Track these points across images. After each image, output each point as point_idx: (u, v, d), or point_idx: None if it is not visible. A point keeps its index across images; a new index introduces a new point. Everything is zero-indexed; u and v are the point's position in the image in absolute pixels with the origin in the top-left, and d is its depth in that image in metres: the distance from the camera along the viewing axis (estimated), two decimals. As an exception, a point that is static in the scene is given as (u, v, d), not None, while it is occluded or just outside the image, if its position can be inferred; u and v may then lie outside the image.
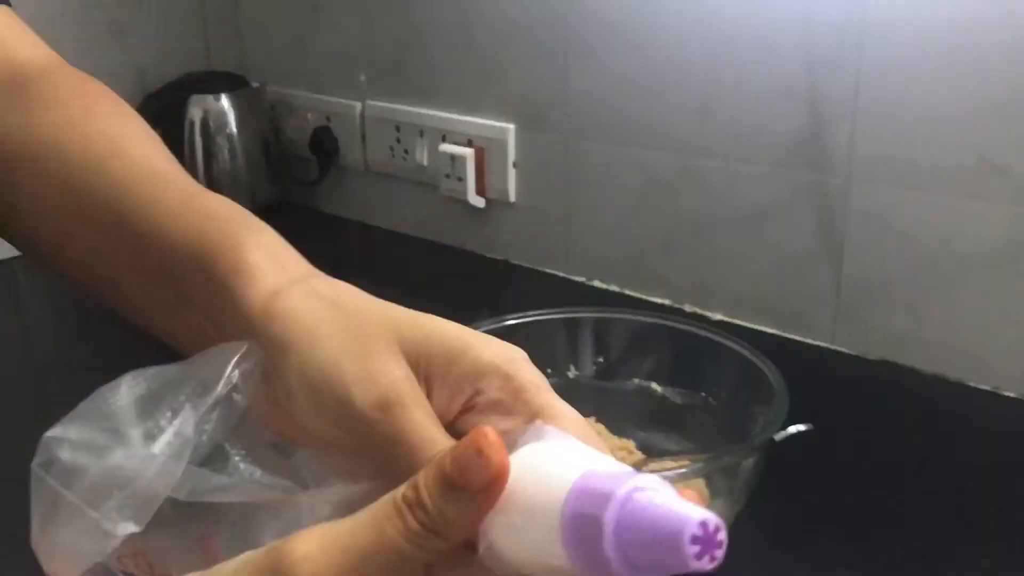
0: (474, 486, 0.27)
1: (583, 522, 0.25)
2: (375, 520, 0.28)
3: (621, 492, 0.25)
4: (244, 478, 0.38)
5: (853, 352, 0.89)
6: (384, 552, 0.28)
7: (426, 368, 0.36)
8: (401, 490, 0.29)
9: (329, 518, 0.35)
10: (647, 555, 0.25)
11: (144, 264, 0.42)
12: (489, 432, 0.27)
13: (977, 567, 0.61)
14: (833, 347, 0.90)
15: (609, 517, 0.25)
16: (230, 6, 1.35)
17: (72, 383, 0.92)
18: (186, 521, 0.37)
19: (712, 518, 0.24)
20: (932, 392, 0.83)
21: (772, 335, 0.93)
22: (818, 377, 0.86)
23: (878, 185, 0.84)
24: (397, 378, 0.35)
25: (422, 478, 0.28)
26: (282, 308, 0.37)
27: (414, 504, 0.28)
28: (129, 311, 0.45)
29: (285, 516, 0.38)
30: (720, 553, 0.24)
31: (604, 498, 0.25)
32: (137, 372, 0.38)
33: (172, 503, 0.36)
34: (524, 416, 0.34)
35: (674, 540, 0.24)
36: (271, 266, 0.39)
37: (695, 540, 0.24)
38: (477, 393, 0.36)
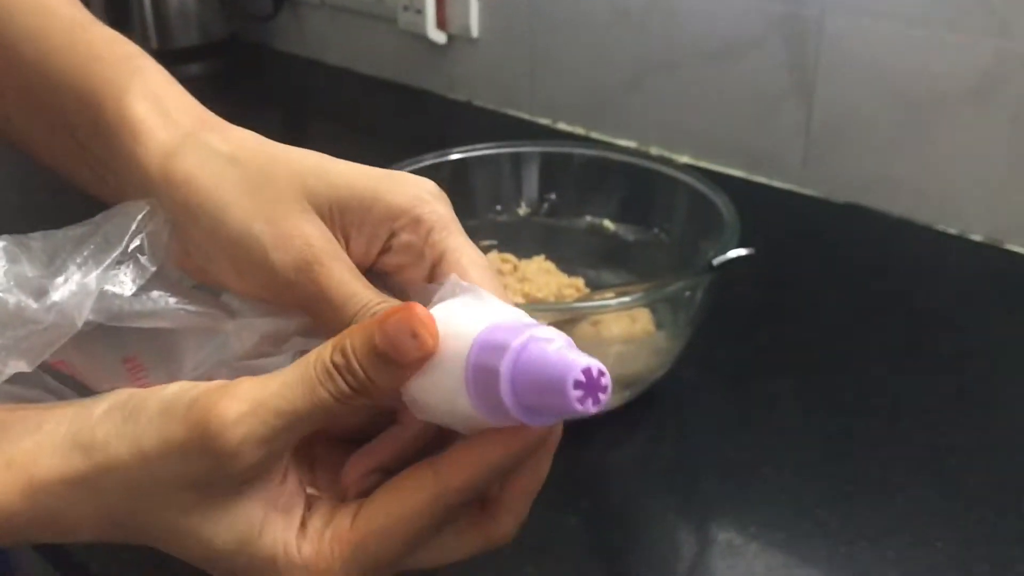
0: (404, 361, 0.29)
1: (483, 372, 0.28)
2: (307, 383, 0.29)
3: (516, 343, 0.27)
4: (170, 306, 0.37)
5: (820, 195, 0.86)
6: (316, 412, 0.29)
7: (340, 219, 0.35)
8: (329, 352, 0.29)
9: (256, 346, 0.37)
10: (538, 400, 0.27)
11: (34, 103, 0.40)
12: (421, 312, 0.29)
13: (933, 408, 0.60)
14: (801, 190, 0.87)
15: (505, 367, 0.27)
16: None
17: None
18: (110, 342, 0.37)
19: (596, 365, 0.26)
20: (898, 236, 0.80)
21: (739, 178, 0.90)
22: (783, 219, 0.83)
23: (854, 16, 0.79)
24: (311, 237, 0.34)
25: (351, 346, 0.29)
26: (181, 172, 0.35)
27: (344, 370, 0.29)
28: (37, 156, 0.42)
29: (212, 342, 0.38)
30: (604, 397, 0.26)
31: (501, 350, 0.28)
32: (20, 236, 0.36)
33: (97, 326, 0.35)
34: (433, 257, 0.35)
35: (560, 385, 0.26)
36: (158, 119, 0.37)
37: (578, 385, 0.26)
38: (392, 236, 0.35)
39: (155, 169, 0.36)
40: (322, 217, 0.35)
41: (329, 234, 0.35)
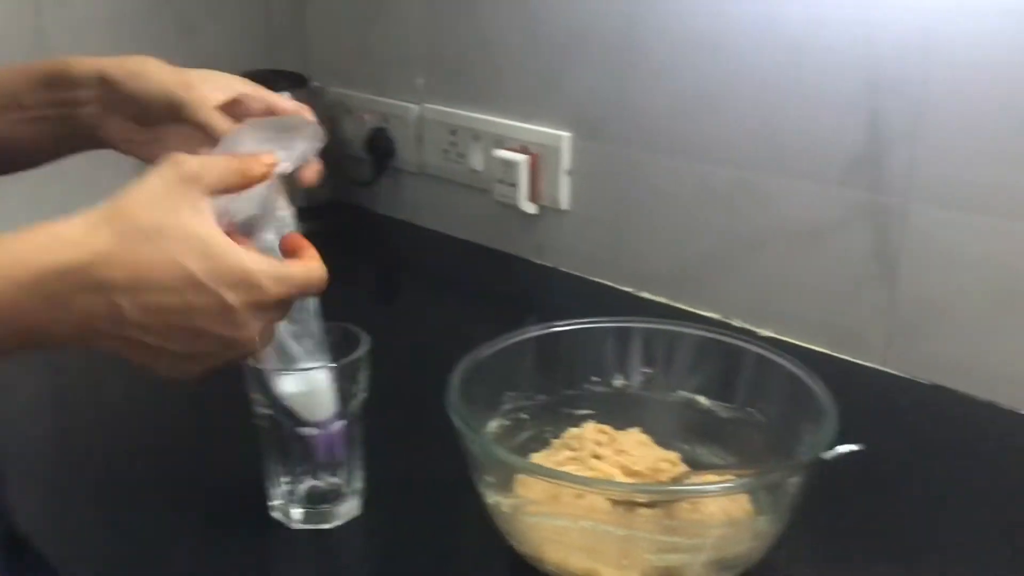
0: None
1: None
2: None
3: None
4: None
5: (905, 375, 0.87)
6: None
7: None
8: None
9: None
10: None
11: None
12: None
13: (1026, 599, 0.60)
14: (885, 369, 0.89)
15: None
16: (296, 5, 1.37)
17: (122, 375, 0.94)
18: None
19: None
20: (985, 419, 0.81)
21: (822, 354, 0.92)
22: (868, 399, 0.84)
23: (937, 207, 0.82)
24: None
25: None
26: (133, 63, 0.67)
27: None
28: None
29: None
30: None
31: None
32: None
33: None
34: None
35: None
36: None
37: None
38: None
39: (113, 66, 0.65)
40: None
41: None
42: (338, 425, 0.64)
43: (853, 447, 0.52)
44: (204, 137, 0.63)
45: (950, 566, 0.62)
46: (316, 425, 0.63)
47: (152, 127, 0.67)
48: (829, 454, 0.52)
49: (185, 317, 0.49)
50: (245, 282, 0.50)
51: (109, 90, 0.65)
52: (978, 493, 0.71)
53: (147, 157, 0.67)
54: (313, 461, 0.65)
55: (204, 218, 0.50)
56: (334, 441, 0.65)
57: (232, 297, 0.49)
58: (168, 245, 0.48)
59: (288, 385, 0.62)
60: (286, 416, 0.63)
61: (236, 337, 0.50)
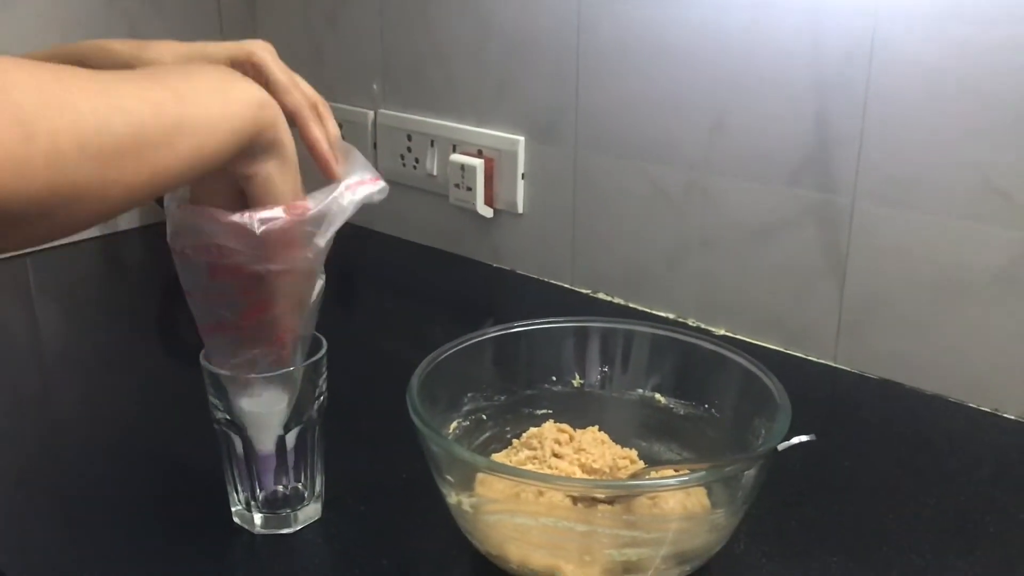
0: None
1: None
2: None
3: None
4: None
5: (855, 370, 0.89)
6: None
7: None
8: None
9: None
10: None
11: None
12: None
13: (974, 584, 0.61)
14: (835, 365, 0.91)
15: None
16: (247, 13, 1.36)
17: (79, 375, 0.93)
18: None
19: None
20: (933, 412, 0.83)
21: (775, 351, 0.94)
22: (820, 394, 0.86)
23: (883, 205, 0.85)
24: None
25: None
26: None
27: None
28: None
29: None
30: None
31: None
32: None
33: None
34: None
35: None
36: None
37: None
38: None
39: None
40: None
41: None
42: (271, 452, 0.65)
43: (805, 437, 0.53)
44: None
45: (902, 555, 0.64)
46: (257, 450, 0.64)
47: None
48: (783, 445, 0.53)
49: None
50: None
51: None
52: (928, 484, 0.72)
53: None
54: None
55: None
56: (275, 466, 0.65)
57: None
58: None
59: (246, 402, 0.62)
60: (240, 418, 0.63)
61: None
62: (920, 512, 0.69)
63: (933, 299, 0.84)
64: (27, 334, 1.04)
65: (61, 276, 1.18)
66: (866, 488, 0.72)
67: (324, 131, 0.61)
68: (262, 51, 0.61)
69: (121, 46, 0.62)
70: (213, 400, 0.64)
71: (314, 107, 0.62)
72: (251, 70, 0.61)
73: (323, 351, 0.65)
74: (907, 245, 0.84)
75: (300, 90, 0.61)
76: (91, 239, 1.25)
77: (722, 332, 0.97)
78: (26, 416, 0.85)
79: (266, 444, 0.64)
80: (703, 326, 0.99)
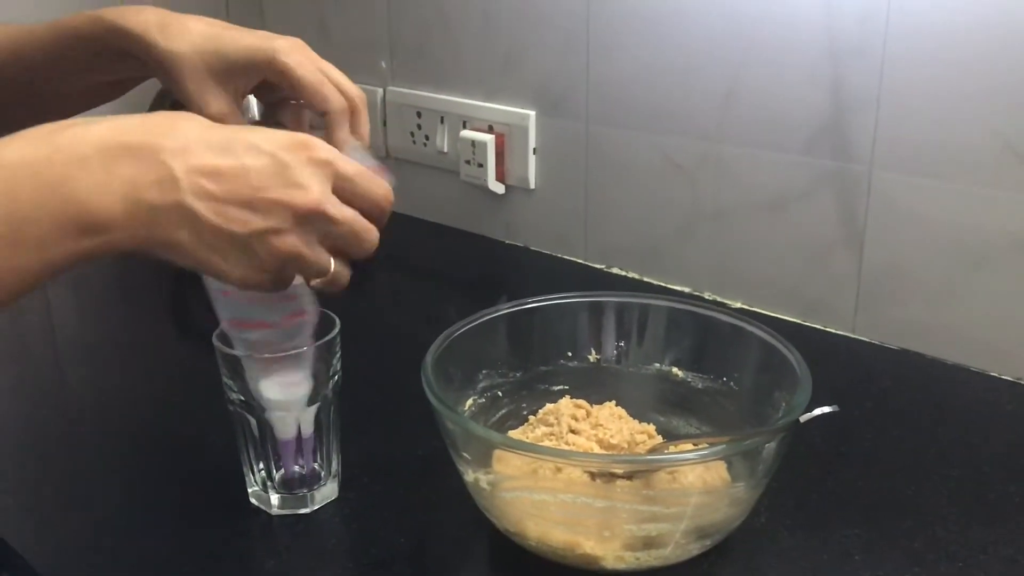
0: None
1: None
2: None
3: None
4: None
5: (874, 341, 0.88)
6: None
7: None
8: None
9: None
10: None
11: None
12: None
13: (997, 555, 0.61)
14: (854, 336, 0.90)
15: None
16: (252, -9, 1.35)
17: (94, 359, 0.93)
18: None
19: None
20: (954, 381, 0.82)
21: (792, 323, 0.93)
22: (839, 365, 0.85)
23: (900, 173, 0.83)
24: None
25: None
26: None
27: None
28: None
29: None
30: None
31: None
32: None
33: None
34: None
35: None
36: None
37: None
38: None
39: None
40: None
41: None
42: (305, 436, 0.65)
43: (827, 408, 0.52)
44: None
45: (925, 527, 0.63)
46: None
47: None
48: (805, 416, 0.52)
49: (240, 179, 0.47)
50: (299, 141, 0.50)
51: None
52: (950, 454, 0.72)
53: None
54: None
55: None
56: (294, 449, 0.65)
57: (286, 156, 0.48)
58: (226, 129, 0.49)
59: (270, 390, 0.62)
60: (259, 403, 0.62)
61: (296, 203, 0.48)
62: (943, 483, 0.68)
63: (953, 267, 0.82)
64: (41, 319, 1.04)
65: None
66: (887, 460, 0.71)
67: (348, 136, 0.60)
68: (288, 54, 0.59)
69: (140, 25, 0.62)
70: (227, 382, 0.63)
71: (345, 111, 0.60)
72: (273, 76, 0.60)
73: (336, 330, 0.64)
74: (926, 213, 0.83)
75: (332, 90, 0.59)
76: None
77: (738, 305, 0.96)
78: (43, 401, 0.85)
79: (288, 430, 0.63)
80: (719, 299, 0.98)
